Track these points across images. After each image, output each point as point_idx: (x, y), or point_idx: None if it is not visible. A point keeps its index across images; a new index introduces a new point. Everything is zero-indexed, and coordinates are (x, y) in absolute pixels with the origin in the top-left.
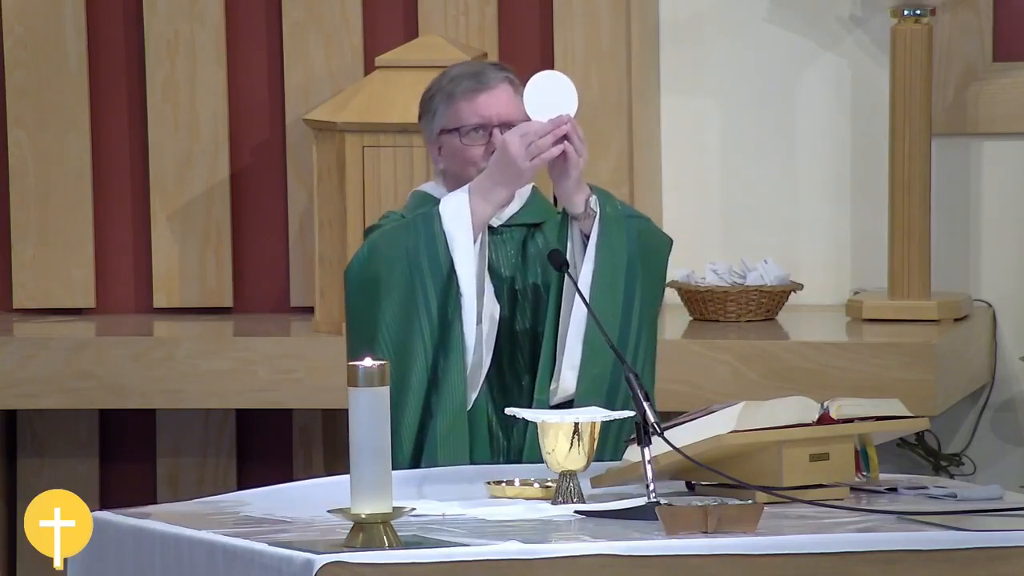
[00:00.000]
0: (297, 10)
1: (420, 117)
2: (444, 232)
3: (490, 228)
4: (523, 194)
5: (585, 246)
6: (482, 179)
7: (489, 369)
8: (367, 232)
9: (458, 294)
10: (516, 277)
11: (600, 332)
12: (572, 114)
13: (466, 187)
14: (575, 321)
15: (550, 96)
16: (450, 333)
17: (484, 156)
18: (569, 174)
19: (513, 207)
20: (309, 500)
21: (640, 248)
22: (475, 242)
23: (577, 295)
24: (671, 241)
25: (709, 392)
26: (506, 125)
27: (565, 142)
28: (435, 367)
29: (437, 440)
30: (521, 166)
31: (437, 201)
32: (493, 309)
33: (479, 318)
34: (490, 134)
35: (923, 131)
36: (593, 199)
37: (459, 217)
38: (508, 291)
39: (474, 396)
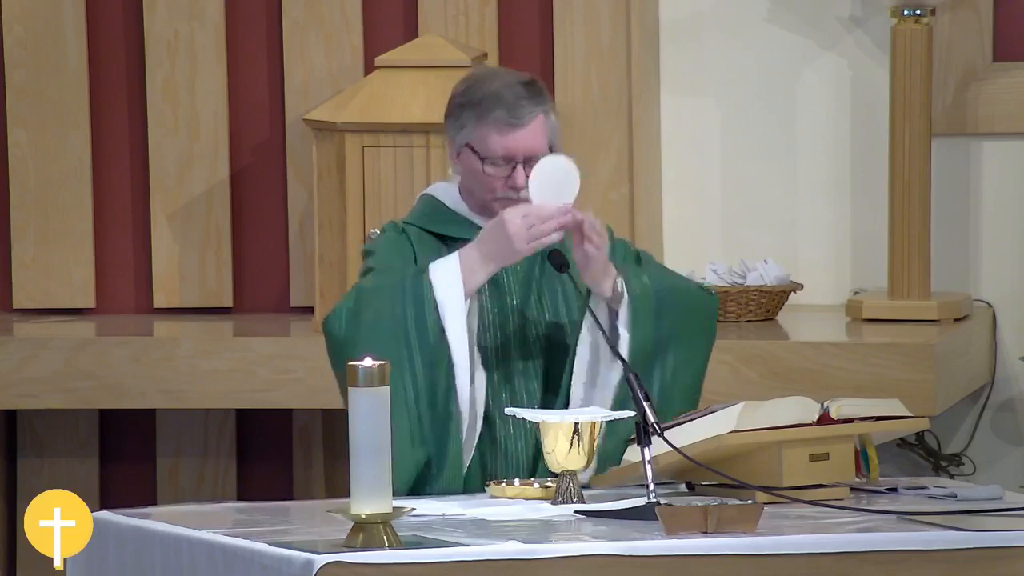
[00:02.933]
0: (297, 10)
1: (446, 116)
2: (435, 299)
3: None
4: None
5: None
6: (474, 249)
7: (497, 384)
8: (364, 253)
9: (449, 363)
10: (528, 293)
11: (616, 354)
12: (571, 201)
13: (456, 254)
14: (606, 384)
15: (553, 179)
16: (438, 404)
17: (503, 187)
18: (593, 267)
19: None
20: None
21: (676, 316)
22: (465, 310)
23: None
24: (716, 299)
25: (709, 392)
26: (531, 160)
27: (585, 243)
28: (425, 435)
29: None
30: (518, 247)
31: (447, 210)
32: (478, 372)
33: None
34: (513, 168)
35: (923, 131)
36: (620, 281)
37: (451, 285)
38: (518, 308)
39: (468, 459)
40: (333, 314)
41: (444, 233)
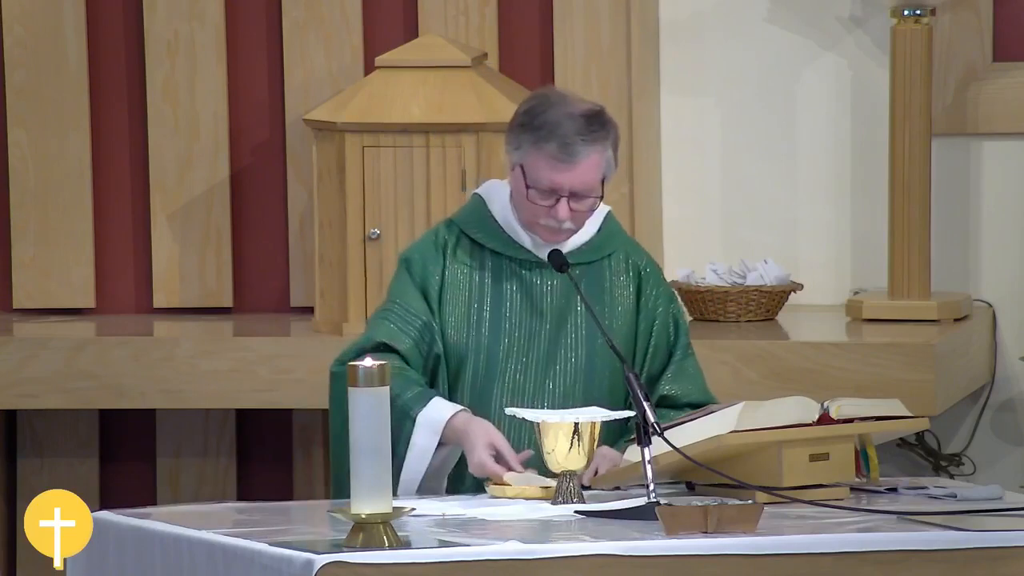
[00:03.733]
0: (297, 10)
1: (508, 128)
2: (411, 441)
3: (540, 263)
4: (592, 224)
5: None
6: (457, 436)
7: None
8: (401, 258)
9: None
10: (567, 313)
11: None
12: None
13: (452, 412)
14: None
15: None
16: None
17: (545, 215)
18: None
19: (579, 238)
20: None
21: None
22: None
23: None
24: None
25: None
26: (578, 195)
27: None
28: None
29: None
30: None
31: (491, 219)
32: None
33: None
34: (557, 200)
35: (923, 131)
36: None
37: (430, 434)
38: (552, 325)
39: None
40: (339, 356)
41: (483, 243)
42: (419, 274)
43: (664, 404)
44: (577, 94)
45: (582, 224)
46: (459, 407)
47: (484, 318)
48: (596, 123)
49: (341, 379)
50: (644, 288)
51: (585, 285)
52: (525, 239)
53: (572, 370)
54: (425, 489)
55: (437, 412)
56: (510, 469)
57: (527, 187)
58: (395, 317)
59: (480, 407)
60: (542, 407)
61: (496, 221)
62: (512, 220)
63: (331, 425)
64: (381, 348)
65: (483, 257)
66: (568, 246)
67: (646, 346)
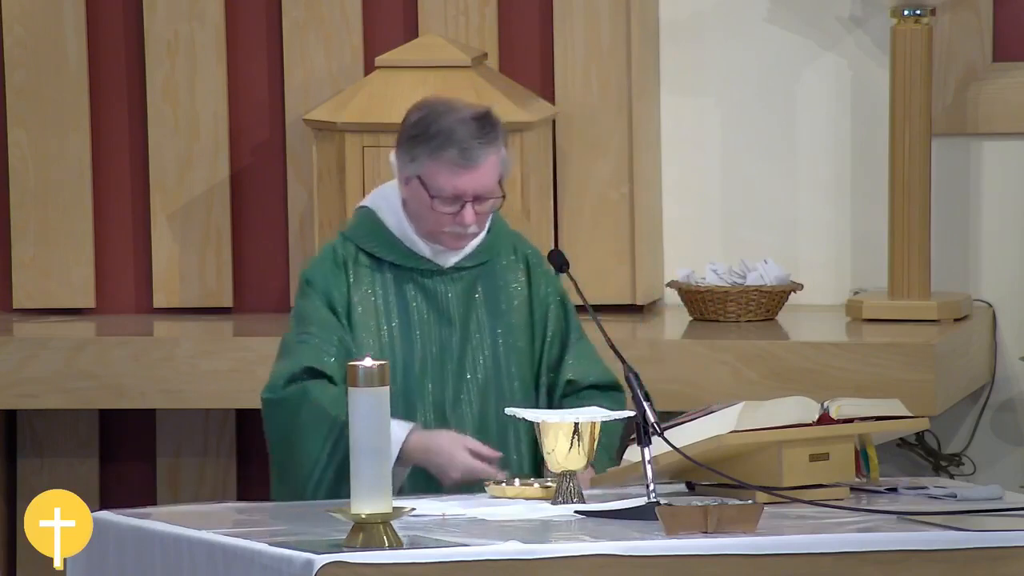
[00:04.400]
0: (297, 10)
1: (397, 142)
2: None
3: (440, 271)
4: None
5: None
6: (420, 453)
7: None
8: (304, 279)
9: None
10: (469, 318)
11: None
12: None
13: (406, 433)
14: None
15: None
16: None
17: (451, 222)
18: None
19: (475, 241)
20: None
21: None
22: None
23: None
24: (623, 395)
25: (709, 392)
26: (480, 198)
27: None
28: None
29: None
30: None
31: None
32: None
33: None
34: (462, 206)
35: (923, 131)
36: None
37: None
38: (460, 333)
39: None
40: (269, 385)
41: (381, 256)
42: (324, 292)
43: (570, 390)
44: (458, 98)
45: (484, 226)
46: (410, 424)
47: (394, 335)
48: (488, 124)
49: (278, 406)
50: (533, 277)
51: (481, 286)
52: (424, 249)
53: (483, 375)
54: None
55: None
56: (491, 465)
57: (431, 197)
58: (313, 339)
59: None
60: (463, 416)
61: (391, 232)
62: (408, 230)
63: (272, 457)
64: (307, 373)
65: (384, 271)
66: (463, 252)
67: (543, 333)
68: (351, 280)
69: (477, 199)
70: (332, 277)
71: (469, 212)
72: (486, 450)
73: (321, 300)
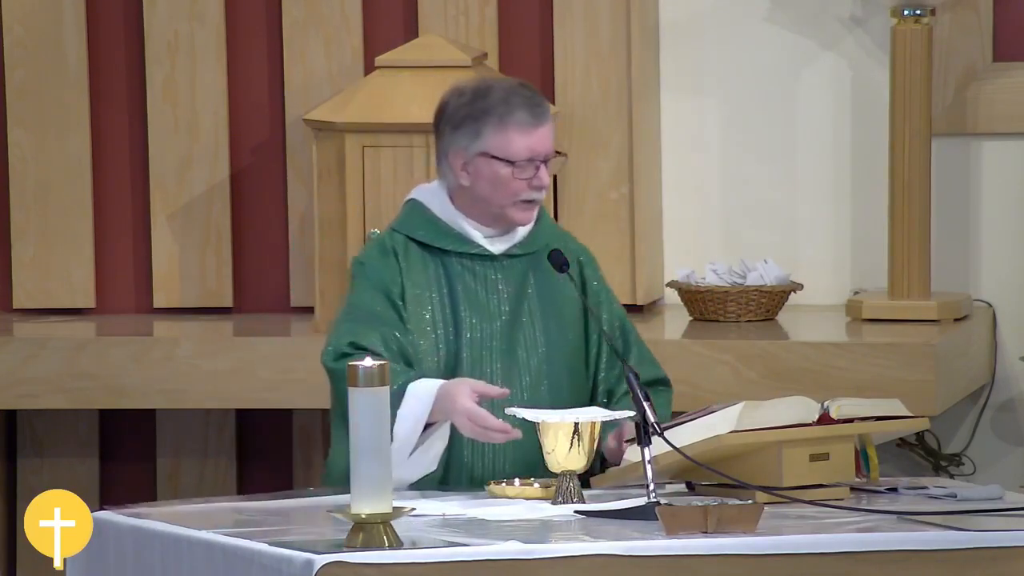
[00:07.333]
0: (297, 10)
1: (449, 127)
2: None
3: (492, 257)
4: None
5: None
6: (436, 403)
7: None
8: (354, 265)
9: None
10: (521, 306)
11: (611, 346)
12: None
13: (443, 386)
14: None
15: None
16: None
17: (527, 188)
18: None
19: (523, 230)
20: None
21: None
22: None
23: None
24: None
25: (709, 392)
26: (547, 158)
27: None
28: None
29: None
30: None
31: (434, 218)
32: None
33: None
34: (537, 168)
35: (923, 131)
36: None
37: (420, 403)
38: (510, 319)
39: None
40: (326, 353)
41: (431, 243)
42: (377, 279)
43: (622, 391)
44: (484, 76)
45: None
46: (433, 381)
47: (446, 320)
48: (535, 89)
49: (332, 375)
50: (586, 283)
51: (534, 276)
52: (475, 234)
53: (534, 362)
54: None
55: (426, 383)
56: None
57: (508, 163)
58: (357, 318)
59: None
60: (511, 402)
61: (441, 220)
62: (457, 217)
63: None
64: (352, 349)
65: (434, 257)
66: (514, 239)
67: (598, 342)
68: (402, 265)
69: (546, 160)
70: (385, 264)
71: (544, 172)
72: (493, 389)
73: (373, 285)
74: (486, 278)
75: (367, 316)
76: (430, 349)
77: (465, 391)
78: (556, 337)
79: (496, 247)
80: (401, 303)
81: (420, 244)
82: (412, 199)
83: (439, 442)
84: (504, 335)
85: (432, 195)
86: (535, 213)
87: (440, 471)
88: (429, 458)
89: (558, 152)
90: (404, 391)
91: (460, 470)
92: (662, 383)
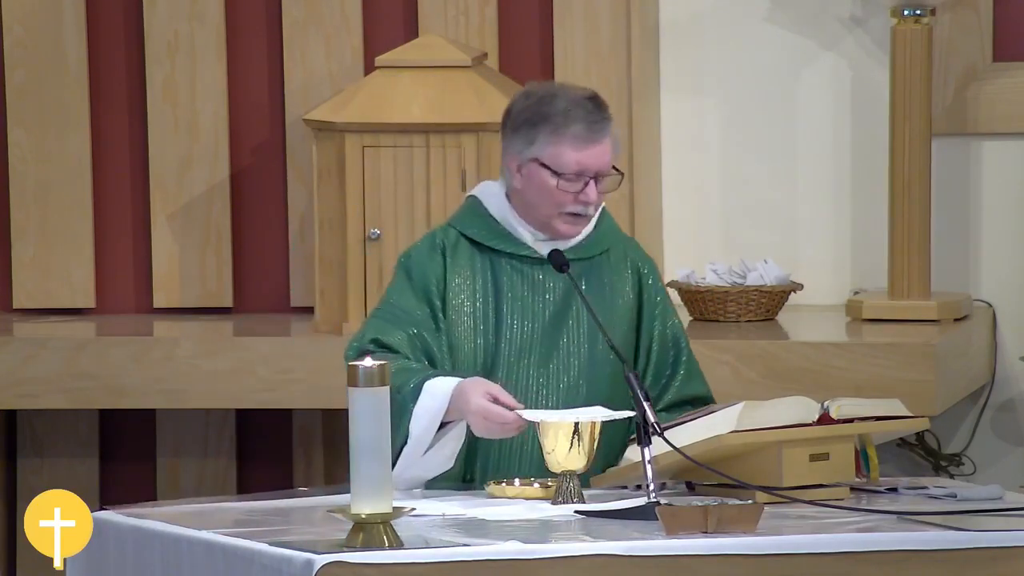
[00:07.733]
0: (297, 10)
1: (510, 129)
2: (411, 411)
3: (541, 260)
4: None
5: None
6: (452, 401)
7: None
8: (401, 258)
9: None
10: (568, 309)
11: (609, 345)
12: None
13: (458, 385)
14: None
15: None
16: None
17: (573, 201)
18: None
19: (572, 240)
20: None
21: None
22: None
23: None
24: None
25: None
26: (600, 176)
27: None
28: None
29: None
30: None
31: (489, 219)
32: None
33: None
34: (585, 183)
35: (923, 131)
36: None
37: (434, 400)
38: (554, 321)
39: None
40: (350, 347)
41: (482, 242)
42: (418, 277)
43: (667, 406)
44: (559, 83)
45: (599, 208)
46: (459, 378)
47: (488, 318)
48: (601, 104)
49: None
50: (644, 292)
51: (585, 282)
52: (526, 236)
53: (575, 365)
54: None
55: (442, 381)
56: (509, 408)
57: (556, 175)
58: (387, 315)
59: None
60: (547, 406)
61: (495, 219)
62: (511, 218)
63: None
64: (374, 344)
65: (483, 255)
66: (568, 242)
67: (648, 345)
68: (448, 261)
69: (598, 177)
70: (430, 262)
71: (592, 189)
72: (505, 396)
73: (411, 284)
74: (533, 280)
75: (397, 313)
76: (469, 346)
77: (479, 391)
78: (601, 343)
79: (545, 249)
80: (440, 302)
81: (471, 241)
82: (472, 195)
83: (453, 441)
84: (545, 337)
85: (491, 193)
86: (582, 227)
87: (462, 470)
88: (444, 456)
89: (616, 169)
90: (421, 388)
91: (485, 472)
92: (703, 400)
